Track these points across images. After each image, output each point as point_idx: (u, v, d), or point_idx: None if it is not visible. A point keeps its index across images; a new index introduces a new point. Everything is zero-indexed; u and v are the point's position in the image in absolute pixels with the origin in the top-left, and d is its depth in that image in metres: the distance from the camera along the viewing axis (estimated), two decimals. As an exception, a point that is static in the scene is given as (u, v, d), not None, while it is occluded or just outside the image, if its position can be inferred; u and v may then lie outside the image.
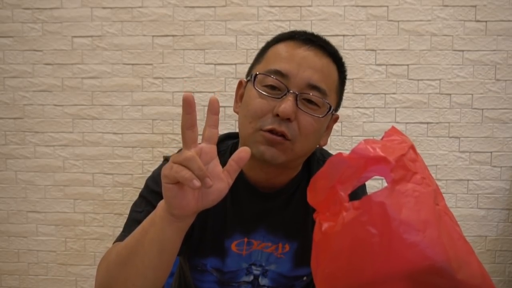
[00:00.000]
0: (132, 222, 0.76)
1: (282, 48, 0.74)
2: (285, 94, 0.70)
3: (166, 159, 0.85)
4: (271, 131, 0.70)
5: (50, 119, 1.87)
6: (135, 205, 0.81)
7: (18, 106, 1.87)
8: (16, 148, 1.89)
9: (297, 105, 0.70)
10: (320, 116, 0.73)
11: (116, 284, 0.64)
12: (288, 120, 0.69)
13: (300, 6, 1.76)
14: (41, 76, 1.86)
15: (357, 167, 0.52)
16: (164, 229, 0.60)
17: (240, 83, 0.81)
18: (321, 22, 1.76)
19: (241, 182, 0.82)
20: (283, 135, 0.70)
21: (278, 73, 0.71)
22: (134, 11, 1.81)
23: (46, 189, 1.89)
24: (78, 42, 1.84)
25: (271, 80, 0.71)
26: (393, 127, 0.58)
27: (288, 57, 0.72)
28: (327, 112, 0.74)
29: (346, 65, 0.85)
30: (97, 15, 1.82)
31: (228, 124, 1.80)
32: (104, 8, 1.82)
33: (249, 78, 0.76)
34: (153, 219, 0.61)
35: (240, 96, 0.80)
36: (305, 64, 0.72)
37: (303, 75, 0.71)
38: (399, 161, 0.50)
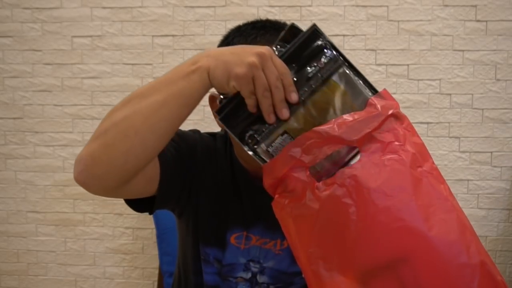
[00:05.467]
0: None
1: None
2: None
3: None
4: None
5: (50, 119, 1.87)
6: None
7: (18, 106, 1.87)
8: (15, 148, 1.88)
9: None
10: None
11: (114, 129, 0.59)
12: None
13: (300, 6, 1.76)
14: (40, 76, 1.85)
15: (317, 147, 0.54)
16: (198, 87, 0.60)
17: (212, 97, 0.79)
18: (321, 22, 1.76)
19: (242, 177, 0.83)
20: None
21: None
22: (134, 11, 1.81)
23: (45, 189, 1.89)
24: (78, 42, 1.83)
25: None
26: (384, 90, 0.59)
27: None
28: None
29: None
30: (97, 15, 1.82)
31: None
32: (104, 8, 1.82)
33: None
34: (185, 71, 0.59)
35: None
36: None
37: None
38: (366, 137, 0.53)
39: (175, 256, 0.97)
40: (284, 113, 0.57)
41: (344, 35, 1.77)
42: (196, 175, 0.81)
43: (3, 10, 1.84)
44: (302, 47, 0.58)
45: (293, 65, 0.58)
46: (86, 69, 1.84)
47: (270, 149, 0.59)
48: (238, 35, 0.75)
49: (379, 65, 1.77)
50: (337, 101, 0.57)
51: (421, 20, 1.75)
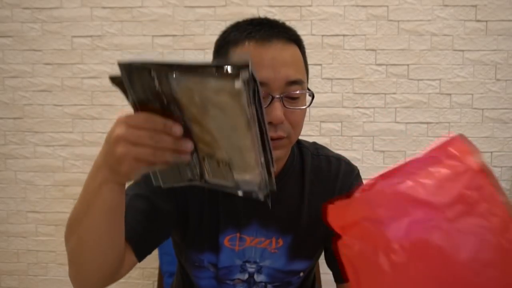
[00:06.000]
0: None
1: (245, 52, 0.72)
2: (271, 102, 0.71)
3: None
4: None
5: (50, 119, 1.87)
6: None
7: (18, 106, 1.87)
8: (15, 148, 1.88)
9: (284, 106, 0.72)
10: (306, 106, 0.76)
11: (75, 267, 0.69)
12: (281, 123, 0.72)
13: (300, 6, 1.76)
14: (40, 76, 1.85)
15: (397, 207, 0.48)
16: (113, 198, 0.61)
17: None
18: (321, 22, 1.76)
19: None
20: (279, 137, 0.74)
21: None
22: (134, 11, 1.81)
23: (45, 189, 1.89)
24: (78, 42, 1.83)
25: None
26: (458, 137, 0.51)
27: (258, 62, 0.71)
28: (311, 101, 0.77)
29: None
30: (97, 15, 1.82)
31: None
32: (104, 8, 1.82)
33: None
34: (95, 191, 0.62)
35: None
36: (277, 64, 0.71)
37: (279, 76, 0.71)
38: (456, 199, 0.46)
39: (175, 256, 0.97)
40: (186, 147, 0.53)
41: (344, 35, 1.77)
42: (178, 198, 0.82)
43: (3, 10, 1.84)
44: (137, 88, 0.53)
45: (150, 107, 0.52)
46: (86, 69, 1.84)
47: (210, 176, 0.56)
48: (234, 30, 0.76)
49: (379, 65, 1.77)
50: (197, 97, 0.50)
51: (421, 20, 1.75)
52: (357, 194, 0.52)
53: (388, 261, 0.47)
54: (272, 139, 0.72)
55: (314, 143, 0.93)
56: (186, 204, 0.82)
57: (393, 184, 0.49)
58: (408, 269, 0.46)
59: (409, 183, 0.48)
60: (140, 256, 0.77)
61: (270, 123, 0.71)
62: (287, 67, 0.72)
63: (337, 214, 0.52)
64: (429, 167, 0.49)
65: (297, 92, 0.73)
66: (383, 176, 0.51)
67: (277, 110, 0.70)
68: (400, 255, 0.46)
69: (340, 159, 0.89)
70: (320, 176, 0.87)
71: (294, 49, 0.75)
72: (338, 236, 0.52)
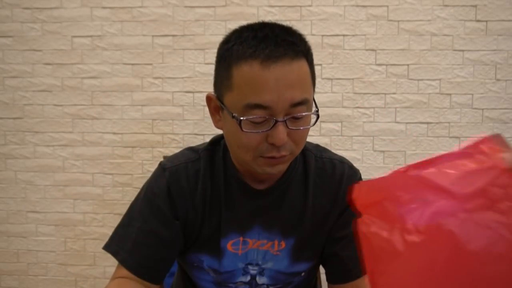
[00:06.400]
0: (124, 235, 0.88)
1: (249, 72, 0.69)
2: (274, 125, 0.69)
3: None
4: (272, 157, 0.72)
5: (50, 119, 1.87)
6: (131, 215, 0.88)
7: (18, 106, 1.87)
8: (15, 148, 1.88)
9: (287, 127, 0.70)
10: (310, 125, 0.74)
11: None
12: (284, 144, 0.71)
13: (300, 6, 1.76)
14: (40, 76, 1.85)
15: (418, 191, 0.49)
16: None
17: (209, 98, 0.78)
18: (321, 22, 1.76)
19: (234, 181, 0.82)
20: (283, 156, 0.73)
21: (259, 106, 0.68)
22: (134, 11, 1.81)
23: (45, 189, 1.89)
24: (78, 42, 1.83)
25: (256, 118, 0.69)
26: (493, 136, 0.50)
27: (262, 85, 0.68)
28: (316, 119, 0.75)
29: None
30: (97, 15, 1.82)
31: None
32: (104, 8, 1.82)
33: (221, 103, 0.74)
34: None
35: (214, 109, 0.79)
36: (281, 87, 0.68)
37: (284, 99, 0.68)
38: (478, 192, 0.47)
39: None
40: None
41: (344, 35, 1.77)
42: (179, 211, 0.82)
43: (3, 10, 1.84)
44: None
45: None
46: (86, 69, 1.84)
47: None
48: (238, 43, 0.72)
49: (379, 65, 1.77)
50: None
51: (421, 20, 1.75)
52: (386, 178, 0.53)
53: (402, 241, 0.48)
54: (275, 158, 0.72)
55: (317, 146, 0.92)
56: (186, 216, 0.82)
57: (422, 175, 0.49)
58: (420, 251, 0.47)
59: (432, 170, 0.49)
60: (161, 282, 0.82)
61: (272, 144, 0.70)
62: (292, 89, 0.69)
63: (361, 193, 0.53)
64: (458, 160, 0.50)
65: (302, 114, 0.71)
66: (415, 166, 0.52)
67: (280, 134, 0.69)
68: (413, 236, 0.48)
69: (343, 162, 0.89)
70: (324, 179, 0.86)
71: (300, 65, 0.71)
72: (359, 215, 0.54)
